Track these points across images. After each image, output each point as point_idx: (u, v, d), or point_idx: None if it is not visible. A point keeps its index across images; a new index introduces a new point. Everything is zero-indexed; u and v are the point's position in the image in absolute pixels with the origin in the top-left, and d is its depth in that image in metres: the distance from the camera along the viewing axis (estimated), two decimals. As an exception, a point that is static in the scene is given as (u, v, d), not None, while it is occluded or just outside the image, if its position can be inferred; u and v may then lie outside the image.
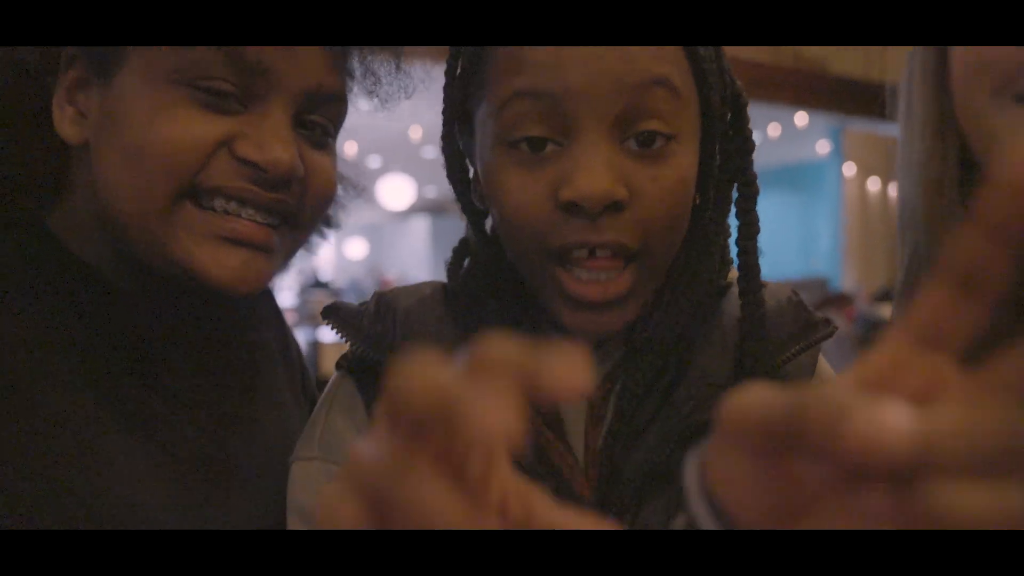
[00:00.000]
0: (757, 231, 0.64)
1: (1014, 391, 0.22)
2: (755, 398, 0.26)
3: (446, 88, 0.64)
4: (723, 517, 0.30)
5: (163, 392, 0.62)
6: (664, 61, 0.57)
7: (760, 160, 0.65)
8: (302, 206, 0.60)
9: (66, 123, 0.60)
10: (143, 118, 0.56)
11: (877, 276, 10.95)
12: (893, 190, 11.79)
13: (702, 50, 0.60)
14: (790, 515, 0.27)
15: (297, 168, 0.58)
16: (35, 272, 0.58)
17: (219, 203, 0.58)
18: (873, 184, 11.05)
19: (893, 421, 0.22)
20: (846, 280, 10.13)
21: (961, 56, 0.48)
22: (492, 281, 0.64)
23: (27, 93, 0.60)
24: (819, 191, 10.85)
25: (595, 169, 0.54)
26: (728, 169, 0.65)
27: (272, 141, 0.56)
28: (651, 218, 0.57)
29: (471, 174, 0.67)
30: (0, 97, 0.60)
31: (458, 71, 0.63)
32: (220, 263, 0.58)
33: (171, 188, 0.56)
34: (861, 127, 10.19)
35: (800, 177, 11.84)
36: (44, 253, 0.59)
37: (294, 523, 0.62)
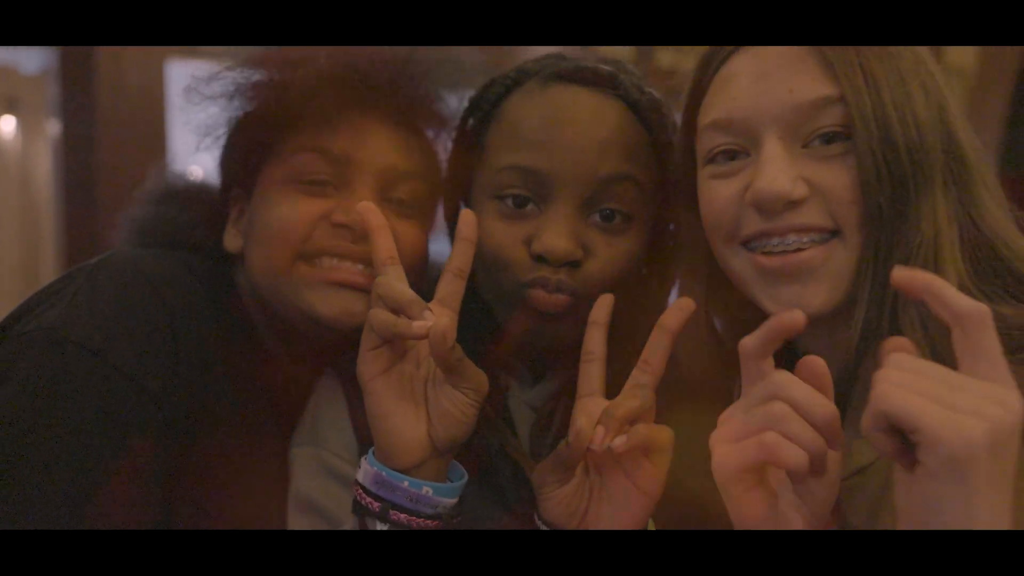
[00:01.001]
0: None
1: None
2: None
3: (454, 148, 0.81)
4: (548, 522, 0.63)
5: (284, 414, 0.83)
6: (634, 160, 0.71)
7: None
8: (403, 273, 0.71)
9: (232, 241, 0.83)
10: (267, 210, 0.77)
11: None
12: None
13: (669, 157, 0.73)
14: (583, 499, 0.63)
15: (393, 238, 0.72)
16: (232, 329, 0.80)
17: (325, 260, 0.76)
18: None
19: (592, 431, 0.58)
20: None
21: (703, 214, 0.64)
22: (467, 303, 0.75)
23: (212, 228, 0.86)
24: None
25: (561, 234, 0.70)
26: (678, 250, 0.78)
27: (356, 206, 0.70)
28: (600, 275, 0.72)
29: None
30: (200, 234, 0.85)
31: (464, 137, 0.79)
32: (327, 303, 0.74)
33: (289, 254, 0.75)
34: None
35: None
36: (240, 315, 0.82)
37: (291, 504, 0.76)
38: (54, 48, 4.32)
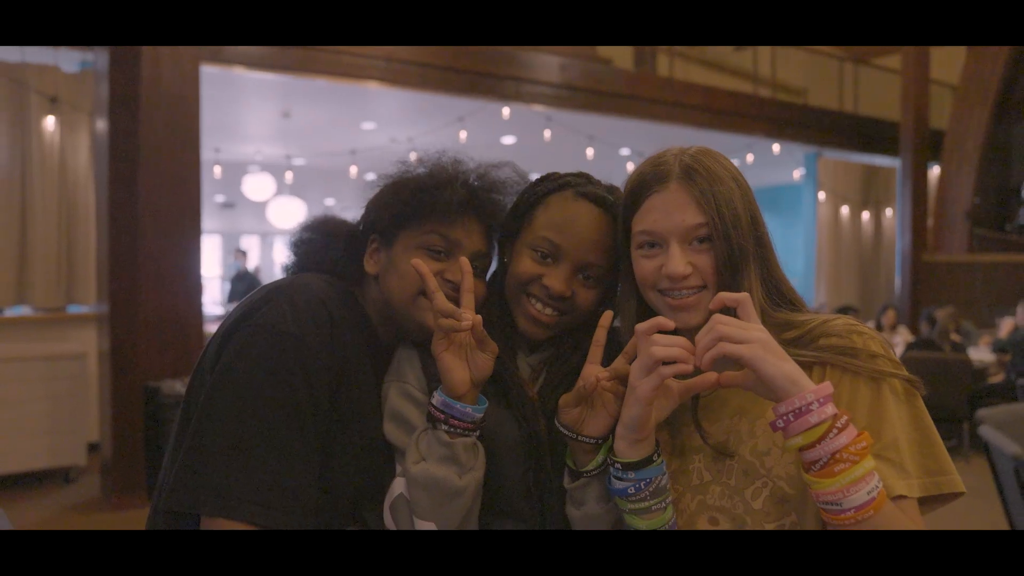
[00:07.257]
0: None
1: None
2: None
3: (510, 215, 1.23)
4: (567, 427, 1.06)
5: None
6: (606, 256, 1.15)
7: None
8: (473, 301, 1.13)
9: (370, 265, 1.23)
10: (405, 262, 1.15)
11: (845, 295, 10.97)
12: (864, 215, 11.86)
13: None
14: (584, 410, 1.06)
15: (474, 284, 1.14)
16: (357, 324, 1.18)
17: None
18: (844, 210, 11.09)
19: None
20: (816, 298, 10.18)
21: (636, 275, 1.06)
22: (500, 294, 1.24)
23: (356, 256, 1.25)
24: (795, 214, 10.88)
25: (562, 281, 1.14)
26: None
27: (459, 272, 1.13)
28: (579, 306, 1.16)
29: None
30: (349, 258, 1.25)
31: (519, 208, 1.22)
32: (432, 321, 1.11)
33: (416, 291, 1.15)
34: (834, 155, 10.24)
35: (777, 199, 11.87)
36: (360, 315, 1.21)
37: (386, 417, 1.16)
38: (99, 49, 4.35)
